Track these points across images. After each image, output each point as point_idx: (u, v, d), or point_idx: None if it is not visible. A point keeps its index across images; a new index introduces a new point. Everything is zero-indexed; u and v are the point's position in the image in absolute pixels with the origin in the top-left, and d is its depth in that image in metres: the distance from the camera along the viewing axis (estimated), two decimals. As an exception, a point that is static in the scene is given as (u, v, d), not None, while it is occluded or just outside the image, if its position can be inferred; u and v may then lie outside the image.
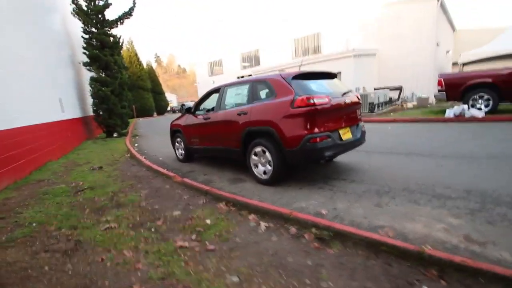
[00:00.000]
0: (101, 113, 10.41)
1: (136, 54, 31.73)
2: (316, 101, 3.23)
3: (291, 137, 3.31)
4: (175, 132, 5.91)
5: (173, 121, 6.10)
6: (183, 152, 5.65)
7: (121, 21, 10.63)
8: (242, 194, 3.37)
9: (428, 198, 2.86)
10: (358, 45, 15.51)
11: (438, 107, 11.80)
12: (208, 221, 2.64)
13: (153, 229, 2.55)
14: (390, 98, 13.57)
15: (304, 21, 18.66)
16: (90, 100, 10.62)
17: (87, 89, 10.60)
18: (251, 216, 2.68)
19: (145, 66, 35.85)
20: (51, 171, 5.39)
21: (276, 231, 2.37)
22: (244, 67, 24.14)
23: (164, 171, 4.68)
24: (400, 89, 15.18)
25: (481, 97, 7.71)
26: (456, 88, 8.06)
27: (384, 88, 14.08)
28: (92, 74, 10.38)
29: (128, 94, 11.97)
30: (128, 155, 7.12)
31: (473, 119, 7.40)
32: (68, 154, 7.71)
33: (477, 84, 7.68)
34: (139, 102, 27.98)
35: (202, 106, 5.32)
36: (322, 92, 3.43)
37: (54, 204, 3.43)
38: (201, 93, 28.74)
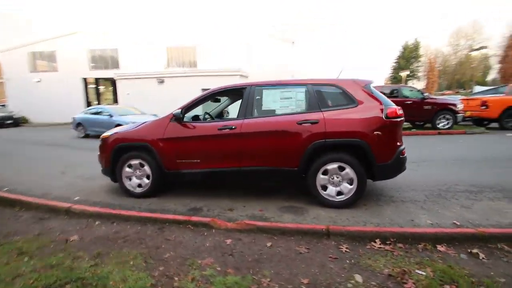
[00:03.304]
0: None
1: None
2: (400, 112, 3.18)
3: (386, 150, 3.05)
4: (124, 150, 3.67)
5: (115, 133, 3.79)
6: (150, 181, 3.60)
7: None
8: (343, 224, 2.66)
9: (468, 194, 3.52)
10: (231, 66, 16.54)
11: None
12: (423, 272, 1.84)
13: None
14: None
15: (179, 31, 17.62)
16: None
17: None
18: (444, 248, 2.16)
19: None
20: None
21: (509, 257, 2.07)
22: (95, 68, 19.02)
23: (180, 217, 2.75)
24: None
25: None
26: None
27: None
28: None
29: None
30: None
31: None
32: None
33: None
34: None
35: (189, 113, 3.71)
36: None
37: None
38: (16, 92, 19.38)
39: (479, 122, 11.19)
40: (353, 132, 3.03)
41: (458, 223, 2.67)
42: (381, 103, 3.09)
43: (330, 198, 3.15)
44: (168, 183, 3.86)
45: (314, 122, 3.10)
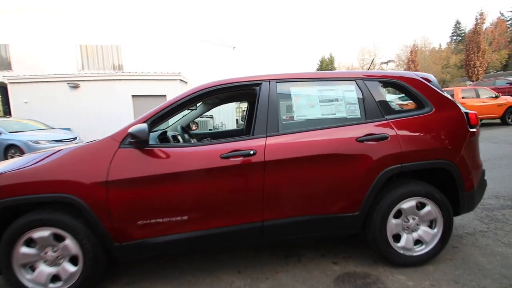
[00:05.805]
0: None
1: None
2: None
3: (473, 172, 2.11)
4: (17, 211, 1.80)
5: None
6: (79, 267, 1.83)
7: None
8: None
9: (509, 210, 2.96)
10: (169, 69, 14.49)
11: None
12: None
13: None
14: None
15: (96, 27, 14.50)
16: None
17: None
18: None
19: None
20: None
21: None
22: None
23: None
24: (212, 117, 16.46)
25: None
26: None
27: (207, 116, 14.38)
28: None
29: None
30: None
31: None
32: None
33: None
34: None
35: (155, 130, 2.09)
36: None
37: None
38: None
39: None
40: (438, 151, 2.00)
41: None
42: (458, 107, 2.18)
43: (408, 253, 2.03)
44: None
45: (383, 138, 1.95)
